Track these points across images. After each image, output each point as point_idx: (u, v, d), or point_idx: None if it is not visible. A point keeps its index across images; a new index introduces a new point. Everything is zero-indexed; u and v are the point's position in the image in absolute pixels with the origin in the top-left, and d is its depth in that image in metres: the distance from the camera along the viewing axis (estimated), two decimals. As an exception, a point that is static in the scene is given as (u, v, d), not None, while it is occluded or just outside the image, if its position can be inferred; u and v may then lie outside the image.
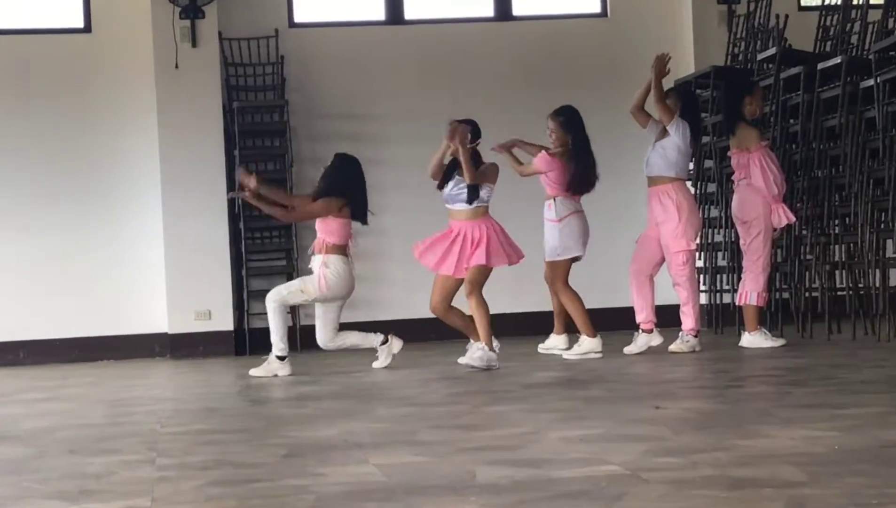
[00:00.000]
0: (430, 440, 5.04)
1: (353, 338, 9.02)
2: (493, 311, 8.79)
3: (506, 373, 8.16)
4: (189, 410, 6.94)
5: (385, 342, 9.00)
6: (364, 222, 8.96)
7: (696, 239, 9.28)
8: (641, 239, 9.40)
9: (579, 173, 9.03)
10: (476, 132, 8.83)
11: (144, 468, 4.66)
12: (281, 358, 8.87)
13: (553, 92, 11.54)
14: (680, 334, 9.16)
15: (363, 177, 8.98)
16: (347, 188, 8.87)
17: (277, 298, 8.84)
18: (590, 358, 8.91)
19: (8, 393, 8.54)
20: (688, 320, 9.16)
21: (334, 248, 8.79)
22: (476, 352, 8.57)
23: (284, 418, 6.24)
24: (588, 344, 9.05)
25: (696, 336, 9.13)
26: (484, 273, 8.79)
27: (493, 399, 6.61)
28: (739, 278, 9.89)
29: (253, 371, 8.86)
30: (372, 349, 9.05)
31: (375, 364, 8.95)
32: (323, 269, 8.75)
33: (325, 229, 8.81)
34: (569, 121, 9.16)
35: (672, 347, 9.08)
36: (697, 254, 11.02)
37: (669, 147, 9.07)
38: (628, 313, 9.45)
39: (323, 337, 8.96)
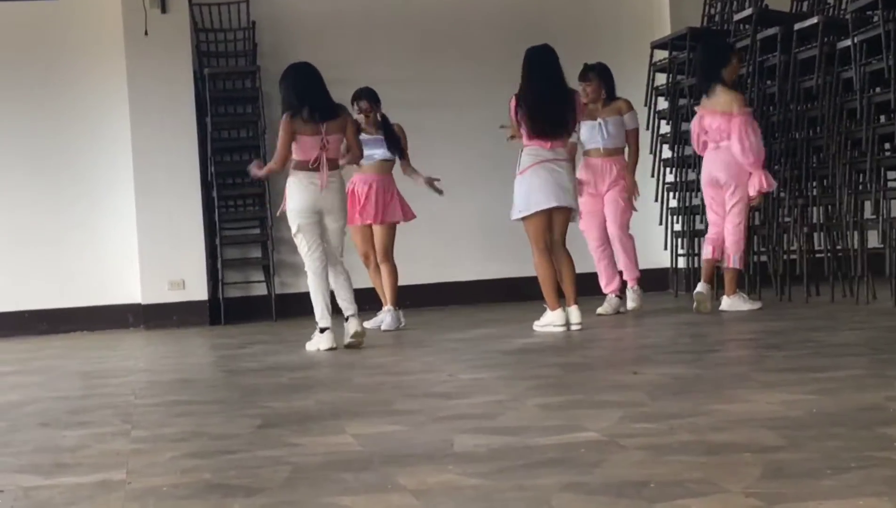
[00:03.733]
0: (406, 408, 5.06)
1: (321, 298, 8.03)
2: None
3: (483, 340, 8.17)
4: (163, 381, 6.94)
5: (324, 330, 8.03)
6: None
7: None
8: (587, 216, 9.61)
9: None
10: (375, 100, 9.52)
11: (119, 440, 4.66)
12: (322, 330, 8.04)
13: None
14: (633, 290, 9.60)
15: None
16: None
17: (306, 263, 8.11)
18: (548, 331, 8.46)
19: (-21, 366, 8.52)
20: (634, 271, 9.65)
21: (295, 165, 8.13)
22: (387, 316, 9.46)
23: (260, 388, 6.24)
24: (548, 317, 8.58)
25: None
26: (393, 233, 9.55)
27: (470, 367, 6.63)
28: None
29: (309, 345, 8.11)
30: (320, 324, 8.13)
31: (308, 345, 8.12)
32: None
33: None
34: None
35: (632, 305, 9.51)
36: (676, 217, 11.17)
37: (629, 123, 9.68)
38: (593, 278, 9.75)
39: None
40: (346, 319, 8.03)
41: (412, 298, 11.49)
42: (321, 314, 8.00)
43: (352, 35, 12.15)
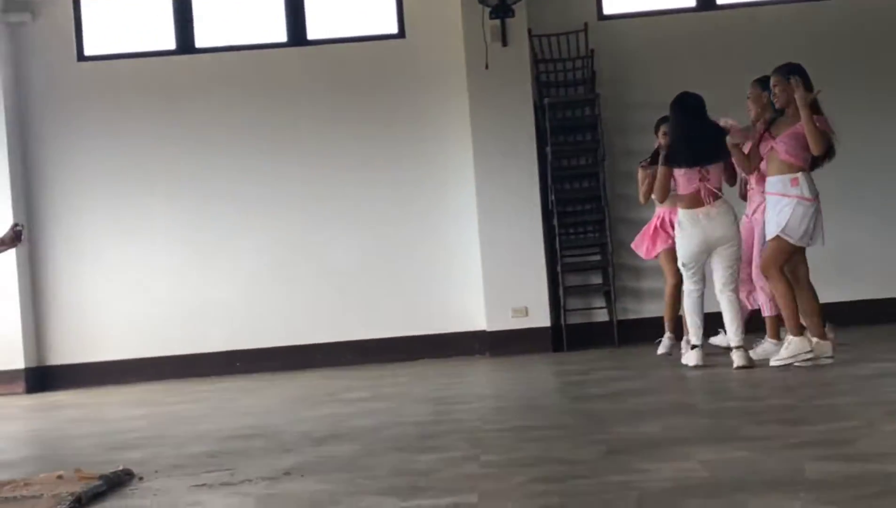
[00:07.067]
0: (755, 434, 4.97)
1: (697, 318, 8.33)
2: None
3: (833, 364, 7.93)
4: (510, 407, 7.05)
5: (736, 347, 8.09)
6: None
7: None
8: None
9: None
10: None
11: (469, 464, 4.76)
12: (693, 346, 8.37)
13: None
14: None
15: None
16: None
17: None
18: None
19: (333, 393, 8.87)
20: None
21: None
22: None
23: (606, 414, 6.26)
24: (796, 345, 7.88)
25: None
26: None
27: (820, 392, 6.46)
28: None
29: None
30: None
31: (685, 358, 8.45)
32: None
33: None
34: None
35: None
36: None
37: None
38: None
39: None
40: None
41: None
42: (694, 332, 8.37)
43: (691, 58, 12.05)
